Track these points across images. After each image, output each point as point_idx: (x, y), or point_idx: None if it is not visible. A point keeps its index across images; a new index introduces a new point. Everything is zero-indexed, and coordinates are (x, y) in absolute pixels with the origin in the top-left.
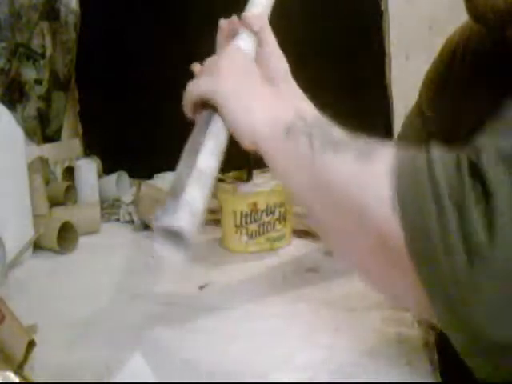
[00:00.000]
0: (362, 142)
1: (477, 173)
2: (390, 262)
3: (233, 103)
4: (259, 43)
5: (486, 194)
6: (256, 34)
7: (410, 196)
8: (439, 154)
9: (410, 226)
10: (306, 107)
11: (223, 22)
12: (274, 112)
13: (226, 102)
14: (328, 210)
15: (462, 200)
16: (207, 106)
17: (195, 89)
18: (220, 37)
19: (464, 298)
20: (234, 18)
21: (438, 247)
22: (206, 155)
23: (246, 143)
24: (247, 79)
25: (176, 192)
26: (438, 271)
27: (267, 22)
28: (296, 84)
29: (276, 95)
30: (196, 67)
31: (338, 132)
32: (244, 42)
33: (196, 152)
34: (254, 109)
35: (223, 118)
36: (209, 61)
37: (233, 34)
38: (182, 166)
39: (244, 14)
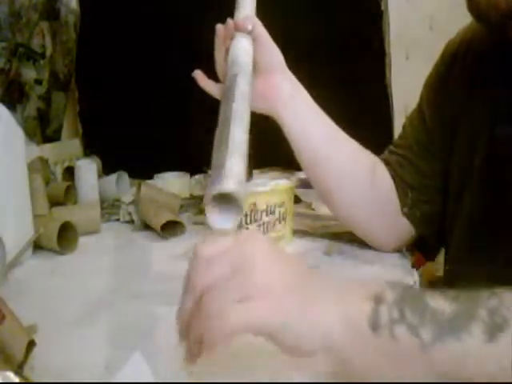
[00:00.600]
0: (477, 308)
1: None
2: None
3: (294, 325)
4: (254, 40)
5: None
6: (250, 33)
7: None
8: None
9: None
10: (373, 284)
11: (220, 28)
12: (345, 309)
13: (284, 332)
14: None
15: None
16: None
17: (232, 322)
18: (218, 41)
19: None
20: (230, 21)
21: None
22: None
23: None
24: (296, 279)
25: (218, 164)
26: None
27: (257, 19)
28: (293, 75)
29: (335, 282)
30: (198, 75)
31: (433, 301)
32: (242, 45)
33: None
34: (319, 319)
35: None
36: (227, 256)
37: (230, 38)
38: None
39: (235, 18)
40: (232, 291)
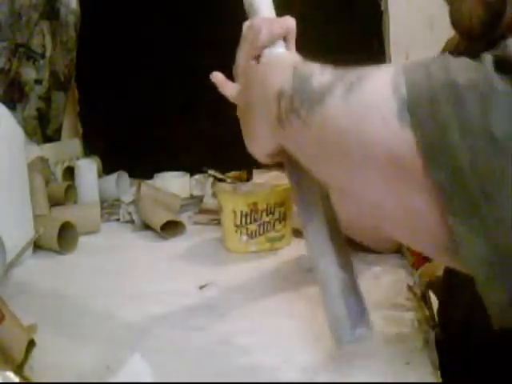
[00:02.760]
0: (349, 73)
1: (505, 66)
2: (403, 181)
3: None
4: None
5: None
6: (287, 40)
7: (420, 99)
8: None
9: (423, 128)
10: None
11: (249, 36)
12: (268, 126)
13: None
14: (336, 162)
15: (487, 92)
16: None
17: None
18: (243, 53)
19: (486, 191)
20: (260, 27)
21: (455, 137)
22: None
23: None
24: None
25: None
26: (455, 163)
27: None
28: None
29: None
30: (218, 78)
31: (317, 79)
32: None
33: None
34: (260, 145)
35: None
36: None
37: (263, 48)
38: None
39: (277, 18)
40: None
